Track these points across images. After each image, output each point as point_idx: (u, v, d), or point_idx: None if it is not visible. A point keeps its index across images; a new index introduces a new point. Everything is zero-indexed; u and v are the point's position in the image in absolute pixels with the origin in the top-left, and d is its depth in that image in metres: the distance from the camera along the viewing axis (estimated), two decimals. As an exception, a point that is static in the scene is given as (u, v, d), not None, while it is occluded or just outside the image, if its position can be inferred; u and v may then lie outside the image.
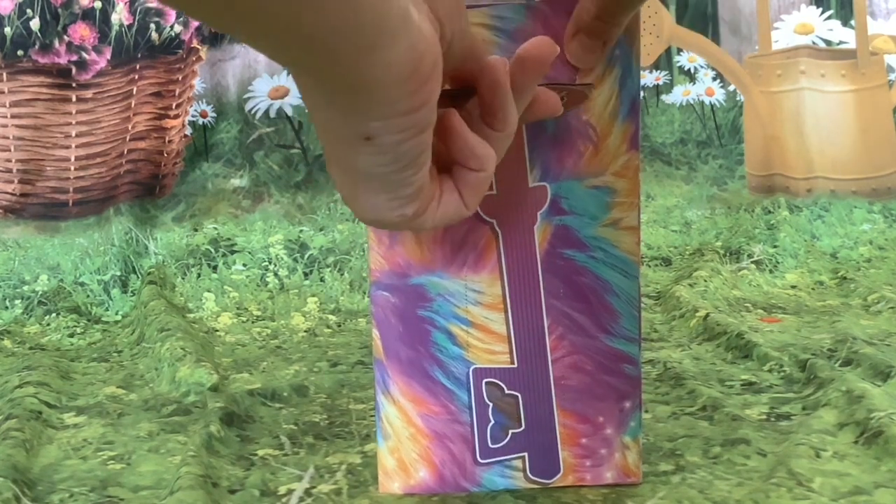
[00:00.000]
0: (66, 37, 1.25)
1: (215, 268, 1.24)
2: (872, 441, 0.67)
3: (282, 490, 0.65)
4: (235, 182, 1.35)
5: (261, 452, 0.72)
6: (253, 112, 1.38)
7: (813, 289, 1.26)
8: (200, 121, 1.37)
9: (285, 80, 1.38)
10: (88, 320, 1.16)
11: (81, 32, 1.25)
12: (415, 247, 0.61)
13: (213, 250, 1.27)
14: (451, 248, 0.61)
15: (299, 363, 0.98)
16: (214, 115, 1.37)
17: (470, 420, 0.62)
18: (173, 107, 1.34)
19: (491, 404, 0.62)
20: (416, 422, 0.62)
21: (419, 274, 0.61)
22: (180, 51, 1.32)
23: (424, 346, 0.62)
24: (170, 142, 1.34)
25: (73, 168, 1.29)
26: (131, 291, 1.21)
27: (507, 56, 0.58)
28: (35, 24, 1.24)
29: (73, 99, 1.28)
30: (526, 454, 0.63)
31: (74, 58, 1.26)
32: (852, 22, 1.47)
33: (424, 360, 0.62)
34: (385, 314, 0.62)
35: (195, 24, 1.32)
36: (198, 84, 1.36)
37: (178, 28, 1.30)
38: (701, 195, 1.45)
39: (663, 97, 1.50)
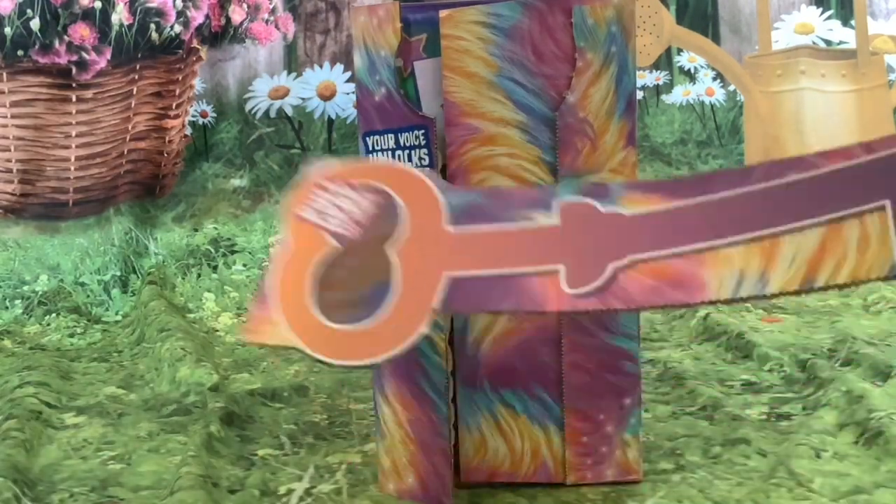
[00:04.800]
0: (66, 37, 1.25)
1: (215, 268, 1.24)
2: (872, 441, 0.67)
3: (282, 490, 0.65)
4: (235, 182, 1.35)
5: (261, 452, 0.72)
6: (253, 112, 1.38)
7: (813, 289, 1.26)
8: (200, 121, 1.37)
9: (285, 80, 1.38)
10: (88, 320, 1.16)
11: (81, 32, 1.25)
12: None
13: (213, 250, 1.27)
14: None
15: (299, 363, 0.98)
16: (214, 115, 1.37)
17: (448, 435, 0.60)
18: (173, 107, 1.34)
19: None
20: (405, 426, 0.62)
21: None
22: (180, 51, 1.32)
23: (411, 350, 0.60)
24: (170, 142, 1.34)
25: (73, 168, 1.29)
26: (131, 291, 1.21)
27: (504, 54, 0.58)
28: (35, 24, 1.24)
29: (73, 99, 1.28)
30: None
31: (74, 58, 1.26)
32: (852, 22, 1.47)
33: (411, 364, 0.60)
34: None
35: (195, 24, 1.32)
36: (198, 84, 1.36)
37: (178, 28, 1.30)
38: (701, 195, 1.45)
39: (663, 97, 1.50)
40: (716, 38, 1.49)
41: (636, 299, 0.43)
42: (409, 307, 0.44)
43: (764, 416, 0.76)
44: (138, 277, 1.23)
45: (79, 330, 1.13)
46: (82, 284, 1.22)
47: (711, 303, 0.43)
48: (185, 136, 1.36)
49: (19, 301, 1.19)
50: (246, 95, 1.38)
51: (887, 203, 0.43)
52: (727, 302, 0.43)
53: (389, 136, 0.60)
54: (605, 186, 0.49)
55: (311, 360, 0.44)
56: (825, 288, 0.42)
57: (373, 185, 0.48)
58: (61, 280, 1.22)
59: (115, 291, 1.21)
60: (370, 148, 0.61)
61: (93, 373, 0.97)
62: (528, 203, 0.47)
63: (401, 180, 0.48)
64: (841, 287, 0.41)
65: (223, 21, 1.35)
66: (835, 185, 0.44)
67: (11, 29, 1.24)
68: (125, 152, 1.31)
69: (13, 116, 1.26)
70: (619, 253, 0.44)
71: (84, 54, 1.26)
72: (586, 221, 0.46)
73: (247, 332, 0.46)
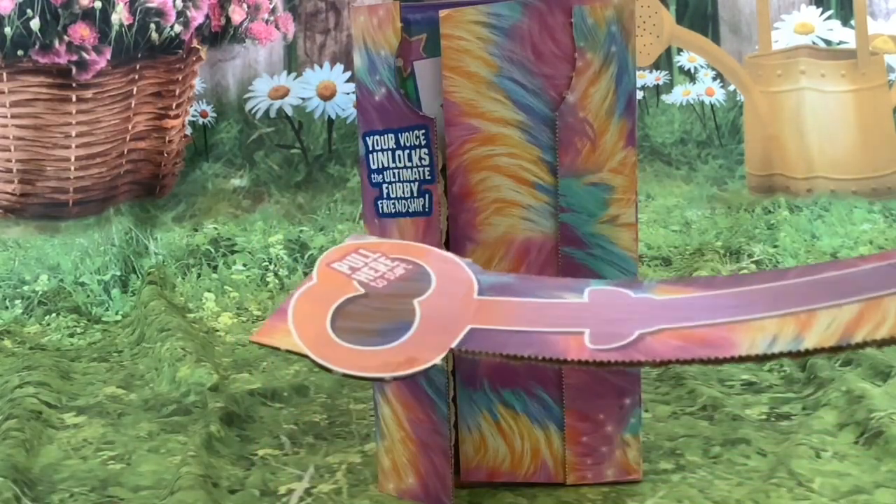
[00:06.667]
0: (66, 37, 1.25)
1: (215, 268, 1.24)
2: (872, 441, 0.67)
3: (282, 490, 0.65)
4: (235, 182, 1.35)
5: (261, 452, 0.72)
6: (253, 112, 1.38)
7: (813, 289, 1.26)
8: (200, 121, 1.37)
9: (285, 80, 1.38)
10: (88, 320, 1.16)
11: (81, 32, 1.25)
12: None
13: (213, 250, 1.27)
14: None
15: (299, 363, 0.98)
16: (214, 115, 1.37)
17: (448, 435, 0.61)
18: (173, 107, 1.34)
19: None
20: (406, 426, 0.62)
21: None
22: (180, 51, 1.32)
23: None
24: (170, 142, 1.34)
25: (73, 168, 1.29)
26: (131, 291, 1.21)
27: (504, 53, 0.58)
28: (35, 24, 1.24)
29: (73, 99, 1.28)
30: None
31: (74, 58, 1.26)
32: (852, 22, 1.47)
33: None
34: None
35: (195, 24, 1.32)
36: (198, 84, 1.36)
37: (178, 28, 1.30)
38: (701, 195, 1.45)
39: (663, 97, 1.50)
40: (716, 38, 1.49)
41: (661, 354, 0.42)
42: (426, 343, 0.44)
43: (764, 416, 0.76)
44: (138, 277, 1.23)
45: (79, 330, 1.13)
46: (82, 284, 1.22)
47: (742, 359, 0.42)
48: (185, 136, 1.36)
49: (19, 301, 1.19)
50: (246, 95, 1.38)
51: None
52: (759, 359, 0.42)
53: (389, 135, 0.60)
54: (639, 281, 0.50)
55: (316, 366, 0.44)
56: (863, 345, 0.40)
57: (407, 258, 0.49)
58: (61, 280, 1.22)
59: (115, 291, 1.21)
60: (370, 148, 0.61)
61: (93, 373, 0.97)
62: (559, 287, 0.48)
63: (436, 259, 0.49)
64: (880, 344, 0.40)
65: (223, 21, 1.35)
66: (874, 276, 0.44)
67: (11, 29, 1.24)
68: (125, 152, 1.31)
69: (13, 116, 1.26)
70: (648, 324, 0.44)
71: (84, 54, 1.26)
72: (615, 301, 0.46)
73: (258, 334, 0.46)
